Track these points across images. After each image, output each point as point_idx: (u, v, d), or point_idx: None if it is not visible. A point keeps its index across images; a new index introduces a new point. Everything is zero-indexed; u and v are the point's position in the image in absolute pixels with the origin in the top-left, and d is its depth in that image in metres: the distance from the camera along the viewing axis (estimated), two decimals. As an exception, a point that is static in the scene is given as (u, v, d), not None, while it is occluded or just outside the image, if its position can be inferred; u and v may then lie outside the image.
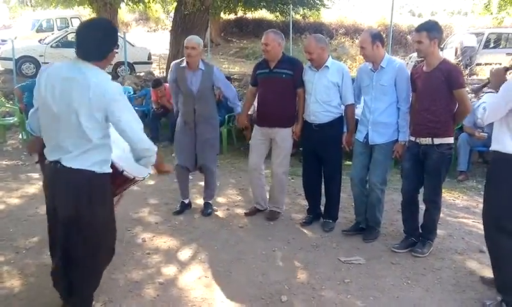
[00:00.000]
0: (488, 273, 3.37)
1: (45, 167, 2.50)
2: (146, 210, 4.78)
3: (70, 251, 2.46)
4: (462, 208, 5.08)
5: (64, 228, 2.43)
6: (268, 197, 4.71)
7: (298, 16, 21.57)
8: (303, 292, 3.18)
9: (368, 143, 4.02)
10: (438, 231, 4.29)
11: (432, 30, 3.51)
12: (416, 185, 3.76)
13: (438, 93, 3.50)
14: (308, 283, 3.31)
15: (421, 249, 3.79)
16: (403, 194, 3.87)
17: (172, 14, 13.34)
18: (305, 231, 4.31)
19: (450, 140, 3.59)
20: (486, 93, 3.01)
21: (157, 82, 8.24)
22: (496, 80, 3.08)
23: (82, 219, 2.39)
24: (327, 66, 4.19)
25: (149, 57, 14.09)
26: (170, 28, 11.92)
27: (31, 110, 2.59)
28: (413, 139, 3.71)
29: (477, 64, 11.57)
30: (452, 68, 3.55)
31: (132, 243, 3.96)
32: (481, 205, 4.87)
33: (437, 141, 3.51)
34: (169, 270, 3.46)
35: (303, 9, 21.46)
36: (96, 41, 2.39)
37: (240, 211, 4.82)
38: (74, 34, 14.61)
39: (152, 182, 5.72)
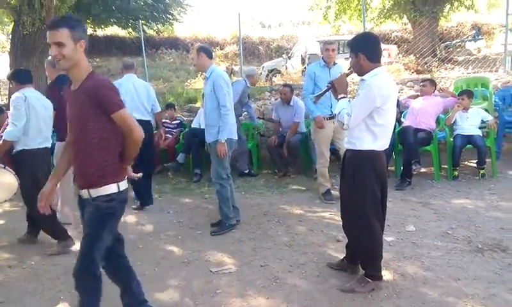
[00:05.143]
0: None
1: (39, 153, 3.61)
2: (-4, 255, 4.27)
3: None
4: (319, 203, 5.49)
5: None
6: None
7: (152, 32, 21.30)
8: (177, 312, 3.13)
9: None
10: (301, 228, 4.61)
11: (76, 28, 2.44)
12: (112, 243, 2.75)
13: (85, 122, 2.45)
14: (181, 301, 3.26)
15: None
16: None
17: (12, 35, 12.15)
18: (176, 248, 4.26)
19: (112, 188, 2.52)
20: (339, 98, 3.25)
21: (-2, 110, 7.38)
22: (341, 85, 3.35)
23: None
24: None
25: (-13, 84, 12.65)
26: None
27: (21, 126, 3.80)
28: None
29: None
30: (98, 85, 2.45)
31: (-21, 295, 3.50)
32: (336, 198, 5.39)
33: (94, 192, 2.51)
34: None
35: (156, 24, 21.26)
36: None
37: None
38: None
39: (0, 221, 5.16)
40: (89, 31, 21.36)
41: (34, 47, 9.56)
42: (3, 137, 4.11)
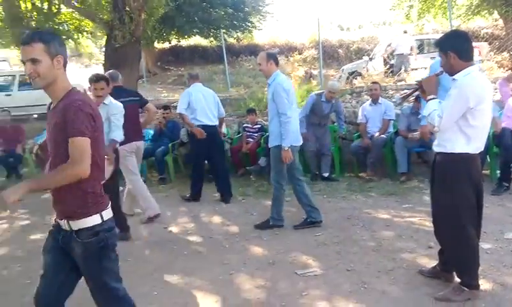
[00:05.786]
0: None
1: None
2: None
3: None
4: (407, 208, 5.28)
5: None
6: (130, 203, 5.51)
7: (232, 40, 21.86)
8: (264, 312, 3.17)
9: None
10: (388, 233, 4.46)
11: (51, 42, 2.16)
12: (59, 289, 2.33)
13: (58, 146, 2.18)
14: (267, 301, 3.30)
15: None
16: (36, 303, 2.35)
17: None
18: (261, 249, 4.32)
19: (95, 220, 2.22)
20: (428, 100, 3.13)
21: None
22: (430, 86, 3.21)
23: None
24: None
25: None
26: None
27: None
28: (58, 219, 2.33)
29: (413, 70, 11.94)
30: (69, 106, 2.12)
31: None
32: (425, 203, 5.16)
33: (74, 225, 2.21)
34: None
35: (236, 32, 21.80)
36: None
37: (194, 238, 4.77)
38: (2, 77, 14.05)
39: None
40: (174, 41, 22.46)
41: (125, 58, 10.19)
42: (114, 139, 4.54)
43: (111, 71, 5.37)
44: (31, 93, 12.69)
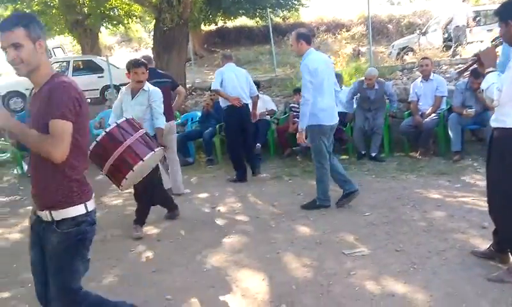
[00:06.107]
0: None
1: None
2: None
3: None
4: (460, 187, 5.10)
5: None
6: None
7: (278, 19, 21.64)
8: (311, 290, 3.17)
9: None
10: (439, 213, 4.34)
11: (32, 25, 2.05)
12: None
13: (43, 130, 2.03)
14: (315, 280, 3.31)
15: None
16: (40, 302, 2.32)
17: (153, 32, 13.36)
18: (308, 229, 4.32)
19: (79, 210, 2.13)
20: (487, 73, 2.99)
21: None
22: (488, 58, 3.06)
23: None
24: None
25: (134, 77, 14.06)
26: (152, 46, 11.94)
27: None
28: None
29: (468, 43, 11.36)
30: (54, 87, 2.05)
31: (136, 261, 3.94)
32: (479, 182, 4.99)
33: (57, 215, 2.11)
34: (176, 284, 3.44)
35: (282, 11, 21.56)
36: None
37: (242, 218, 4.84)
38: (58, 63, 14.72)
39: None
40: (220, 23, 22.54)
41: (174, 40, 10.34)
42: (159, 127, 4.66)
43: (144, 55, 5.54)
44: (83, 77, 13.31)
